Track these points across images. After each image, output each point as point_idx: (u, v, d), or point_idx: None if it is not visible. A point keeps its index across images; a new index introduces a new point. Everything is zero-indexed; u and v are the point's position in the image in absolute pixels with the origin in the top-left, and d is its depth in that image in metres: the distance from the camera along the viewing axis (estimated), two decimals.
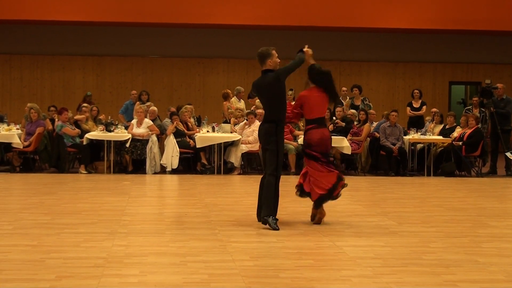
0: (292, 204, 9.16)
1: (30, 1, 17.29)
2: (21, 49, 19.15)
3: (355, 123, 13.99)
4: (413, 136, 13.83)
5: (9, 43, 19.07)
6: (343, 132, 13.71)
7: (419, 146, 14.04)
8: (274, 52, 7.46)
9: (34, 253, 5.73)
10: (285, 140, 13.32)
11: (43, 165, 13.46)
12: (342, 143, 13.18)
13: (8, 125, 13.60)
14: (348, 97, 15.53)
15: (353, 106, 14.96)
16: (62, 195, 9.71)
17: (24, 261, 5.45)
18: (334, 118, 14.79)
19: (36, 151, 13.19)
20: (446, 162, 13.48)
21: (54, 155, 13.16)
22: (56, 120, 13.59)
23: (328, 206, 9.16)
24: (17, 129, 13.51)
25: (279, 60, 7.47)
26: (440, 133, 14.10)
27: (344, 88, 16.00)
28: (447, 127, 14.26)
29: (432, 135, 13.99)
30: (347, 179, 12.17)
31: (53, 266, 5.30)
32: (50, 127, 13.54)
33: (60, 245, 6.09)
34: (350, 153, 13.27)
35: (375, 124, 14.37)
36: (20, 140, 12.88)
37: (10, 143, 12.92)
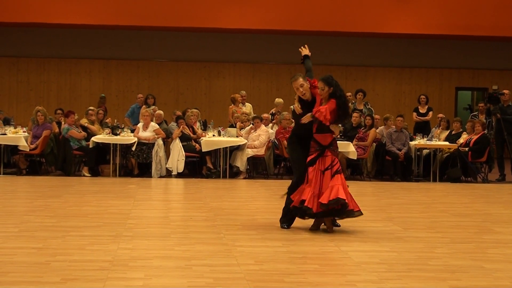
0: None
1: (38, 4, 17.36)
2: (28, 52, 19.22)
3: (362, 128, 13.99)
4: (419, 141, 13.81)
5: (16, 46, 19.14)
6: (349, 137, 13.71)
7: (425, 151, 14.01)
8: (293, 85, 7.49)
9: (40, 256, 5.74)
10: None
11: (49, 168, 13.49)
12: (348, 148, 13.17)
13: (15, 128, 13.64)
14: (351, 102, 15.53)
15: (355, 111, 14.94)
16: (68, 198, 9.72)
17: (30, 263, 5.46)
18: (339, 125, 14.77)
19: (43, 154, 13.22)
20: (452, 168, 13.46)
21: (60, 158, 13.20)
22: (63, 123, 13.63)
23: None
24: (24, 131, 13.55)
25: (300, 89, 7.36)
26: (447, 139, 14.07)
27: (348, 94, 15.98)
28: (453, 132, 14.24)
29: (438, 141, 13.96)
30: (353, 184, 12.21)
31: (58, 268, 5.30)
32: (57, 130, 13.58)
33: (65, 248, 6.10)
34: (355, 158, 13.25)
35: (379, 129, 14.36)
36: (27, 143, 12.92)
37: (16, 146, 12.95)
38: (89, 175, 12.93)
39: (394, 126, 13.81)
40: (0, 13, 17.23)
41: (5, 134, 13.06)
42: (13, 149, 13.16)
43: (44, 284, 4.84)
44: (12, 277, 5.01)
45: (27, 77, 19.36)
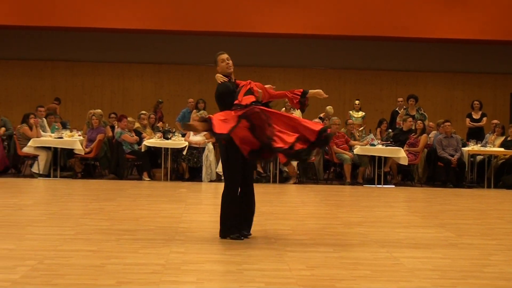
0: (347, 214, 9.13)
1: (92, 10, 17.67)
2: (82, 56, 19.59)
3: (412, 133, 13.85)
4: (473, 147, 13.58)
5: (72, 50, 19.53)
6: (400, 142, 13.59)
7: (479, 157, 13.77)
8: (218, 58, 7.29)
9: (95, 259, 5.84)
10: (340, 150, 13.37)
11: (103, 171, 13.73)
12: (399, 154, 13.04)
13: (71, 132, 13.91)
14: (403, 108, 15.38)
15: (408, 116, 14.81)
16: (121, 202, 9.88)
17: (85, 266, 5.56)
18: (389, 130, 14.68)
19: (97, 158, 13.48)
20: (508, 175, 13.18)
21: (114, 161, 13.43)
22: (116, 127, 13.86)
23: (384, 216, 9.10)
24: (79, 135, 13.81)
25: (225, 63, 7.20)
26: (502, 145, 13.79)
27: (400, 99, 15.87)
28: (509, 138, 13.95)
29: (493, 147, 13.70)
30: (403, 190, 12.05)
31: (113, 271, 5.39)
32: (110, 133, 13.82)
33: (119, 251, 6.19)
34: (406, 164, 13.12)
35: (431, 135, 14.19)
36: (82, 147, 13.18)
37: (72, 149, 13.20)
38: (149, 179, 13.12)
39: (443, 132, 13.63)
40: (56, 18, 17.61)
41: (61, 137, 13.33)
42: (69, 153, 13.43)
43: (99, 287, 4.93)
44: (69, 279, 5.11)
45: (82, 81, 19.74)
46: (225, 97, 7.07)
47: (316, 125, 7.04)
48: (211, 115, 7.07)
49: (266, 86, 7.24)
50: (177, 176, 13.56)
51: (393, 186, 13.19)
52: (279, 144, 6.60)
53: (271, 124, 6.72)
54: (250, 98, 6.92)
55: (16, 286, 4.82)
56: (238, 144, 6.84)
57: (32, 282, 4.96)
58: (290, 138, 6.66)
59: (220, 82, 7.14)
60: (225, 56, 7.30)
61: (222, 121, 6.81)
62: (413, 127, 13.99)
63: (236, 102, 6.95)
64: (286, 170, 13.26)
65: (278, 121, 6.83)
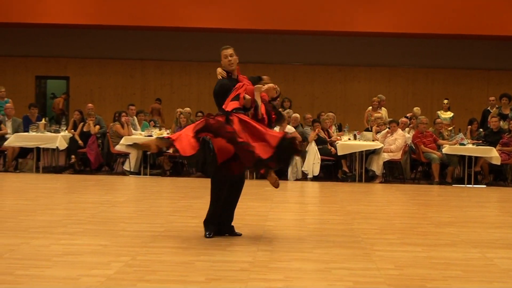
0: (437, 214, 8.96)
1: (182, 9, 18.03)
2: (171, 55, 20.02)
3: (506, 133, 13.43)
4: None
5: (161, 49, 20.00)
6: (492, 142, 13.21)
7: None
8: (222, 53, 7.08)
9: (185, 255, 5.96)
10: (428, 149, 13.12)
11: (191, 169, 13.99)
12: (491, 153, 12.68)
13: (160, 130, 14.22)
14: (496, 107, 14.93)
15: (501, 116, 14.36)
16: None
17: (176, 262, 5.69)
18: (481, 130, 14.29)
19: (184, 156, 13.71)
20: None
21: (200, 159, 13.63)
22: None
23: (476, 217, 8.87)
24: (168, 133, 14.10)
25: (227, 59, 6.99)
26: None
27: (491, 98, 15.42)
28: None
29: None
30: (496, 190, 11.73)
31: (202, 268, 5.49)
32: None
33: (207, 248, 6.30)
34: (499, 164, 12.73)
35: None
36: None
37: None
38: None
39: None
40: (147, 18, 18.06)
41: (151, 135, 13.65)
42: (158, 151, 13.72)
43: (189, 284, 5.01)
44: (160, 275, 5.24)
45: (171, 80, 20.19)
46: (218, 97, 6.93)
47: (279, 133, 6.92)
48: (172, 136, 7.10)
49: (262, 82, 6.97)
50: (262, 174, 13.61)
51: (484, 186, 12.84)
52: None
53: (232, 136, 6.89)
54: (234, 104, 6.80)
55: (111, 282, 4.98)
56: (216, 151, 7.12)
57: (126, 278, 5.12)
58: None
59: (219, 78, 6.96)
60: (228, 51, 7.05)
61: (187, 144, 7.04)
62: (507, 127, 13.58)
63: (223, 106, 6.84)
64: (373, 169, 13.12)
65: (242, 133, 6.83)
